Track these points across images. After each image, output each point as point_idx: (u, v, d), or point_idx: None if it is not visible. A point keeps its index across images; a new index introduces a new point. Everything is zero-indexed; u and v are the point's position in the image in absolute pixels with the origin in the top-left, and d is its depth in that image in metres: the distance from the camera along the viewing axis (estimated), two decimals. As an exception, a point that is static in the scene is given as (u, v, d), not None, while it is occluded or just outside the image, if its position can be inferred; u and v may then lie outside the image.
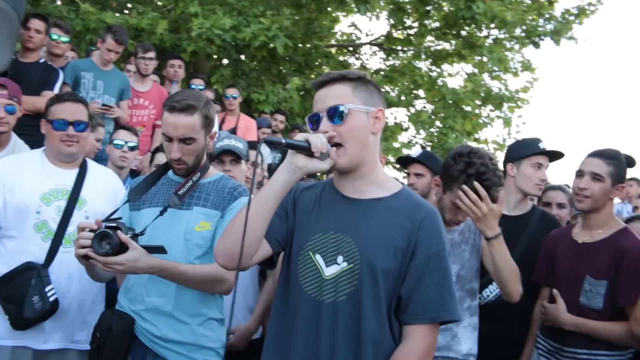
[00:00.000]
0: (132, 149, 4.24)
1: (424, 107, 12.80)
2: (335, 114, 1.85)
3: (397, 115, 13.84)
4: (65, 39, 5.38)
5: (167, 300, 2.47)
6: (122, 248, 2.23)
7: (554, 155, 3.40)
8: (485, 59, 11.93)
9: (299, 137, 1.79)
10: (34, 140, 4.24)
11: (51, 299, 2.72)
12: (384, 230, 1.87)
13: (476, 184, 2.61)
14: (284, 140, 1.77)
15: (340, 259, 1.87)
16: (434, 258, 1.85)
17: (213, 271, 2.40)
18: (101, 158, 4.65)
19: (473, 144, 12.28)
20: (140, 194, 2.58)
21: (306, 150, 1.78)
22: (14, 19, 4.30)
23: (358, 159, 1.89)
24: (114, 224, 2.26)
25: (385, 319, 1.85)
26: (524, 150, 3.36)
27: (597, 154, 2.97)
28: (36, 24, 4.85)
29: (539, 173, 3.30)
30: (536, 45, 11.55)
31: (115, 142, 4.22)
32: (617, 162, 2.93)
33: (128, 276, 2.61)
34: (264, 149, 7.38)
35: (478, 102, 12.07)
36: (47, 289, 2.72)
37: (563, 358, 2.93)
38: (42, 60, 5.00)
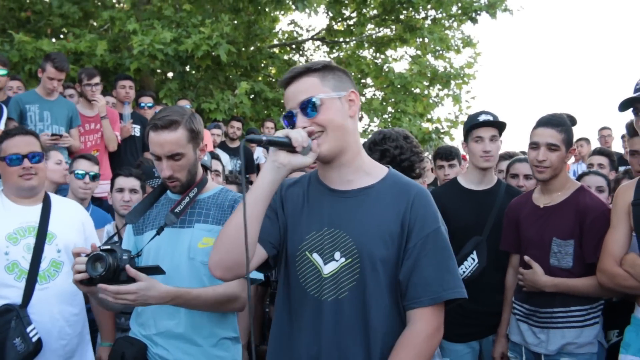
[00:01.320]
0: (93, 178, 4.14)
1: (374, 95, 12.93)
2: (308, 107, 1.82)
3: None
4: (3, 71, 5.24)
5: (178, 322, 2.41)
6: (117, 271, 2.16)
7: (497, 124, 3.43)
8: (426, 40, 12.13)
9: (279, 133, 1.77)
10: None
11: (34, 339, 2.66)
12: (377, 218, 1.84)
13: None
14: (264, 137, 1.73)
15: (337, 255, 1.84)
16: (430, 237, 1.82)
17: (226, 291, 2.35)
18: (60, 188, 4.56)
19: (427, 125, 12.46)
20: (137, 216, 2.51)
21: (288, 145, 1.75)
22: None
23: (340, 145, 1.85)
24: (108, 247, 2.21)
25: (392, 307, 1.84)
26: (465, 127, 3.47)
27: (547, 123, 3.04)
28: (-31, 62, 4.72)
29: (481, 145, 3.36)
30: (473, 20, 11.83)
31: (77, 172, 4.10)
32: (566, 127, 3.03)
33: None
34: (223, 156, 7.34)
35: (426, 83, 12.24)
36: (28, 329, 2.66)
37: (540, 319, 3.01)
38: (-19, 98, 4.86)
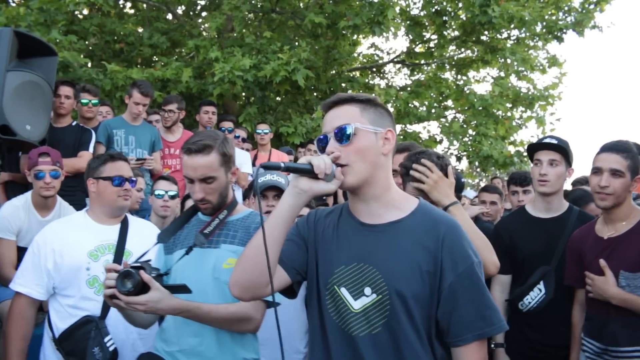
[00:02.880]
0: (172, 197, 4.37)
1: (455, 117, 12.71)
2: (342, 134, 1.81)
3: (430, 128, 13.80)
4: (95, 101, 5.65)
5: (201, 341, 2.45)
6: (146, 288, 2.23)
7: (559, 148, 3.24)
8: (509, 60, 11.84)
9: (302, 160, 1.77)
10: (76, 200, 4.42)
11: (110, 348, 2.85)
12: (408, 254, 1.80)
13: (422, 160, 2.66)
14: (282, 164, 1.73)
15: (368, 290, 1.81)
16: (465, 274, 1.78)
17: (237, 310, 2.38)
18: (142, 208, 4.81)
19: (510, 148, 12.09)
20: (169, 236, 2.60)
21: (308, 172, 1.74)
22: (47, 90, 4.52)
23: (367, 177, 1.83)
24: (138, 264, 2.29)
25: (427, 344, 1.82)
26: (527, 150, 3.38)
27: (612, 149, 2.90)
28: (66, 90, 5.09)
29: (537, 169, 3.23)
30: (559, 39, 11.44)
31: (157, 192, 4.38)
32: (632, 154, 2.88)
33: (166, 317, 2.62)
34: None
35: (508, 105, 11.91)
36: (106, 339, 2.85)
37: (612, 358, 2.83)
38: (74, 123, 5.22)
